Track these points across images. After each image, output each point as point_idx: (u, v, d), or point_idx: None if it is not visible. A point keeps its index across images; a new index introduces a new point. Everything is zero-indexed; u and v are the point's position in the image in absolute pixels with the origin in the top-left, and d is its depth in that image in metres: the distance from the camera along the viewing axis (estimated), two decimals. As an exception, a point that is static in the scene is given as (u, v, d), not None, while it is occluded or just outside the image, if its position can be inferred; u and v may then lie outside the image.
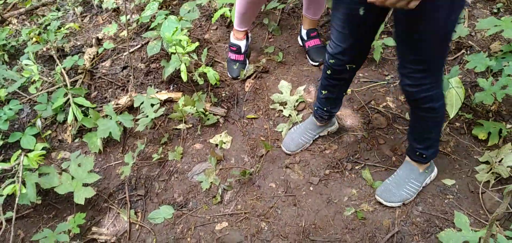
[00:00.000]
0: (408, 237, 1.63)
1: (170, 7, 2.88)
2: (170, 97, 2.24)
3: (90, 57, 2.50)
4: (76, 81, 2.36)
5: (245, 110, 2.20)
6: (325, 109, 1.82)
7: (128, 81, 2.37)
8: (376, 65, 2.36)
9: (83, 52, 2.59)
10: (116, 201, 1.88)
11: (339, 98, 1.81)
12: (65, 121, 2.17)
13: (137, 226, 1.78)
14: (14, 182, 1.67)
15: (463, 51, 2.36)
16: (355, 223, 1.70)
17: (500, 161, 1.78)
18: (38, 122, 2.11)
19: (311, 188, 1.83)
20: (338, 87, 1.72)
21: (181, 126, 2.12)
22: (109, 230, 1.78)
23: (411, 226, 1.66)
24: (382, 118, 2.08)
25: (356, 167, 1.89)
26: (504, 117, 1.99)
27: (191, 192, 1.88)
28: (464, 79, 2.20)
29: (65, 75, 2.33)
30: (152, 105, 2.05)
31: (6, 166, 1.70)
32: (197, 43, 2.07)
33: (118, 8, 2.97)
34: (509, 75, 1.89)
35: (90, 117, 2.05)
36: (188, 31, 2.55)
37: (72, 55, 2.48)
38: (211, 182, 1.88)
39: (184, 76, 2.03)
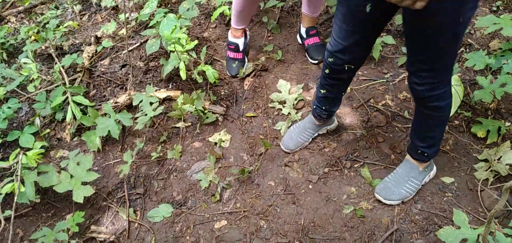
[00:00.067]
0: (407, 235, 1.63)
1: (169, 5, 2.88)
2: (169, 96, 2.23)
3: (89, 56, 2.49)
4: (75, 79, 2.36)
5: (244, 108, 2.20)
6: (323, 108, 1.82)
7: (127, 80, 2.37)
8: (375, 63, 2.35)
9: (82, 51, 2.58)
10: (115, 200, 1.88)
11: (338, 98, 1.79)
12: (64, 119, 2.17)
13: (136, 224, 1.78)
14: (12, 180, 1.67)
15: (462, 49, 2.36)
16: (354, 221, 1.70)
17: (499, 159, 1.78)
18: (37, 121, 2.11)
19: (310, 186, 1.83)
20: (337, 87, 1.71)
21: (180, 124, 2.12)
22: (108, 228, 1.78)
23: (410, 224, 1.67)
24: (381, 116, 2.08)
25: (355, 165, 1.89)
26: (503, 115, 2.00)
27: (190, 191, 1.88)
28: (463, 77, 2.20)
29: (64, 73, 2.33)
30: (151, 103, 2.05)
31: (4, 164, 1.70)
32: (196, 41, 2.07)
33: (117, 6, 2.96)
34: (508, 73, 1.89)
35: (89, 115, 2.04)
36: (187, 29, 2.55)
37: (71, 54, 2.48)
38: (210, 181, 1.88)
39: (183, 75, 2.03)
